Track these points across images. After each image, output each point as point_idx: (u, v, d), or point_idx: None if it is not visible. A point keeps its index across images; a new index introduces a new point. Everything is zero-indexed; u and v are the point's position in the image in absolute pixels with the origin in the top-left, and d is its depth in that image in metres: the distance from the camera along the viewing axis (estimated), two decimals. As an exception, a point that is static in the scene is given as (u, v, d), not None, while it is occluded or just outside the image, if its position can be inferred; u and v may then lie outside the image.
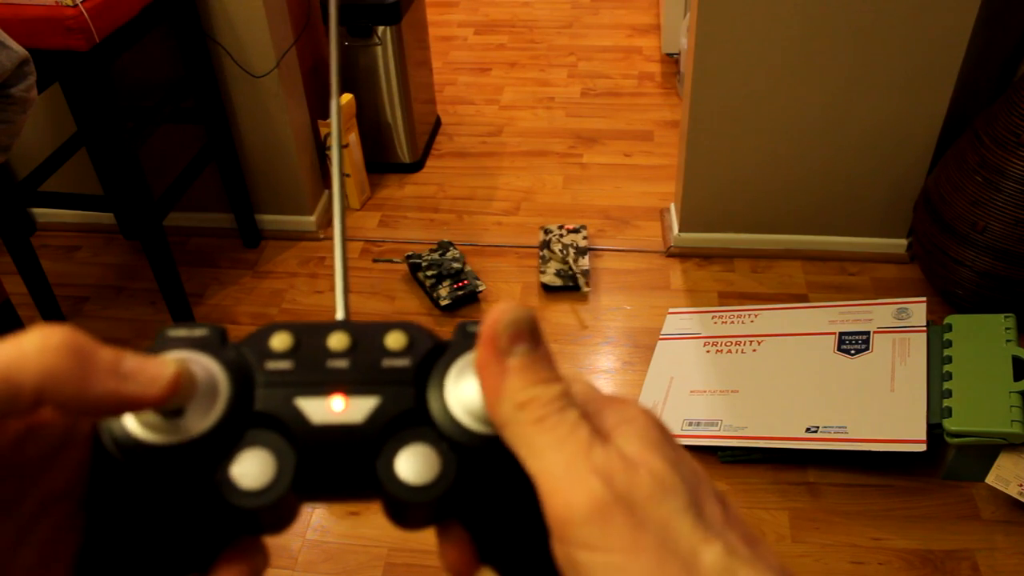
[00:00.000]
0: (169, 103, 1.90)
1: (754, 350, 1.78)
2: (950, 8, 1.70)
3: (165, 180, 1.99)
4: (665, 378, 1.79)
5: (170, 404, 0.22)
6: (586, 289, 2.01)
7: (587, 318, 1.98)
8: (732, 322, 1.89)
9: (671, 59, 3.13)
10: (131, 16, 1.64)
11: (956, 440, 1.46)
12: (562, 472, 0.22)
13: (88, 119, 1.62)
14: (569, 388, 0.24)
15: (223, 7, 1.90)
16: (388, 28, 2.28)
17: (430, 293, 2.02)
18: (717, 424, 1.63)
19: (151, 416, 0.22)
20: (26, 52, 1.27)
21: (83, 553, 0.23)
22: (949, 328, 1.65)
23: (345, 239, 0.29)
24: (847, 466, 1.58)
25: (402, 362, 0.25)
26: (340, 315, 0.28)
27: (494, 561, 0.25)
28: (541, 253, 2.14)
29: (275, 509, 0.23)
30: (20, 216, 2.17)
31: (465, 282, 2.00)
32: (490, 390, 0.24)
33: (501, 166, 2.58)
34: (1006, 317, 1.62)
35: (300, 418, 0.24)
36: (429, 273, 2.02)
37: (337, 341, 0.25)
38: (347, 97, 2.26)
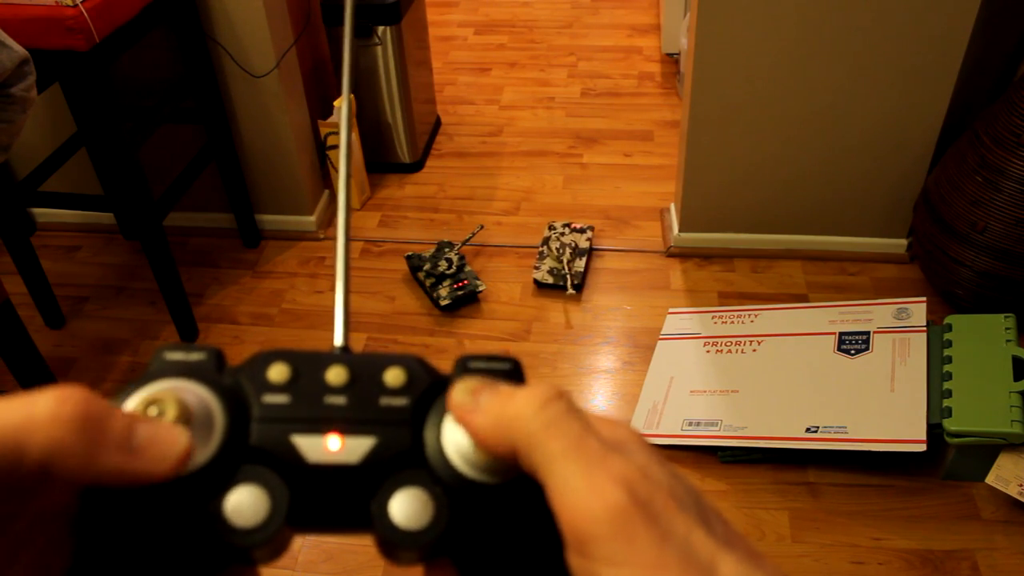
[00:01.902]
0: (169, 103, 1.90)
1: (754, 350, 1.78)
2: (950, 8, 1.70)
3: (165, 180, 1.99)
4: (665, 378, 1.79)
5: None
6: (570, 291, 2.00)
7: (587, 318, 1.98)
8: (732, 322, 1.89)
9: (671, 59, 3.13)
10: (131, 16, 1.64)
11: (956, 440, 1.46)
12: (580, 481, 0.21)
13: (88, 119, 1.62)
14: (564, 391, 0.24)
15: (223, 7, 1.90)
16: (388, 28, 2.28)
17: (430, 293, 2.02)
18: (717, 424, 1.63)
19: None
20: (26, 52, 1.27)
21: (72, 574, 0.22)
22: (949, 328, 1.65)
23: (348, 267, 0.28)
24: (847, 466, 1.58)
25: (400, 401, 0.25)
26: (339, 341, 0.27)
27: None
28: (540, 249, 2.14)
29: (267, 545, 0.23)
30: (20, 216, 2.17)
31: (465, 282, 2.00)
32: (488, 431, 0.23)
33: (501, 166, 2.58)
34: (1006, 317, 1.62)
35: (296, 456, 0.23)
36: (435, 271, 2.02)
37: (335, 375, 0.25)
38: (347, 97, 2.25)
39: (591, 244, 2.15)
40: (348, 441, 0.24)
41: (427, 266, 2.04)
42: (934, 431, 1.48)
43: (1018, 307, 1.68)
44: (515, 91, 3.02)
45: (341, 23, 2.29)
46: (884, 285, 2.03)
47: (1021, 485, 1.41)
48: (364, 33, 2.28)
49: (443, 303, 1.98)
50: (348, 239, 0.29)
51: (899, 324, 1.71)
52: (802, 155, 1.98)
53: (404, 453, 0.24)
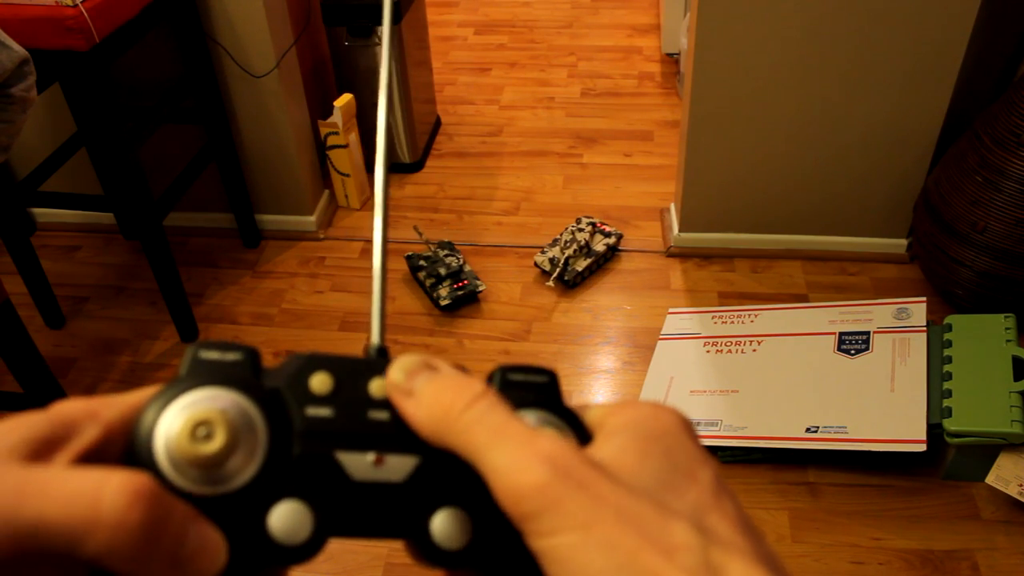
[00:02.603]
0: (169, 103, 1.90)
1: (754, 350, 1.78)
2: (950, 8, 1.70)
3: (165, 180, 1.99)
4: (665, 378, 1.79)
5: (211, 462, 0.22)
6: (550, 283, 2.03)
7: (587, 318, 1.98)
8: (732, 322, 1.89)
9: (671, 59, 3.13)
10: (131, 16, 1.64)
11: (956, 440, 1.46)
12: (506, 464, 0.22)
13: (88, 119, 1.62)
14: (489, 390, 0.24)
15: (223, 7, 1.90)
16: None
17: (430, 293, 2.02)
18: (717, 424, 1.63)
19: (191, 468, 0.22)
20: (26, 52, 1.27)
21: None
22: (949, 328, 1.65)
23: (385, 269, 0.28)
24: (847, 466, 1.58)
25: None
26: (375, 339, 0.27)
27: None
28: (558, 236, 2.14)
29: (310, 559, 0.23)
30: (20, 216, 2.17)
31: (465, 282, 2.00)
32: (420, 424, 0.24)
33: (501, 166, 2.58)
34: (1006, 317, 1.62)
35: (340, 473, 0.23)
36: (436, 272, 2.02)
37: (379, 388, 0.25)
38: (347, 97, 2.26)
39: (608, 248, 2.12)
40: (391, 459, 0.24)
41: (426, 266, 2.04)
42: (934, 431, 1.48)
43: (1018, 307, 1.68)
44: (515, 91, 3.02)
45: (341, 23, 2.29)
46: (884, 285, 2.03)
47: (1021, 485, 1.41)
48: (364, 33, 2.28)
49: (443, 303, 1.98)
50: (386, 239, 0.28)
51: (899, 324, 1.71)
52: (802, 155, 1.98)
53: (446, 472, 0.24)
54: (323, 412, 0.24)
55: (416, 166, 2.57)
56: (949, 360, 1.58)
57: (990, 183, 1.66)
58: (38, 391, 1.59)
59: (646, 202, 2.38)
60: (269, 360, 0.27)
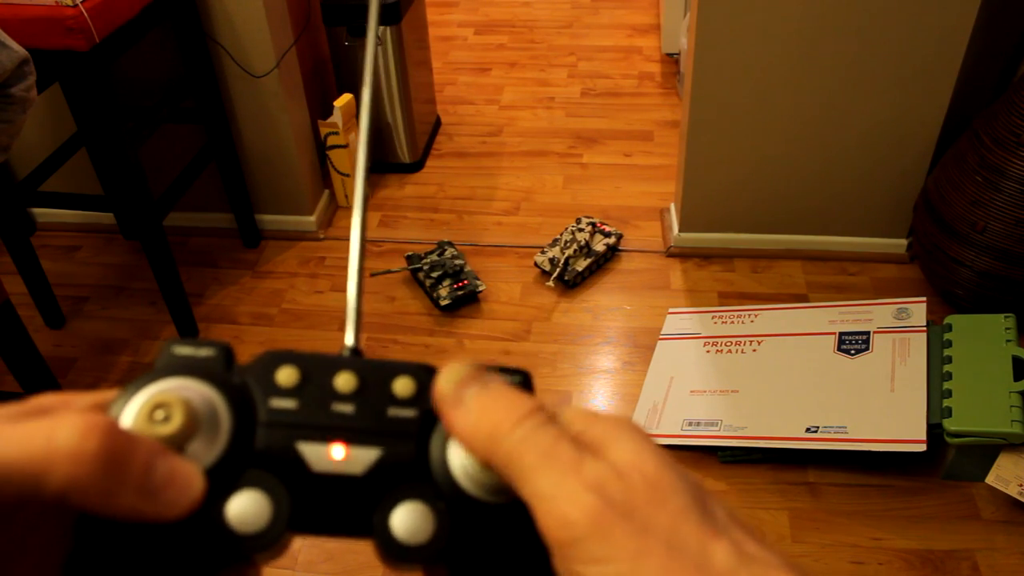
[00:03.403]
0: (169, 103, 1.90)
1: (754, 350, 1.78)
2: (950, 8, 1.70)
3: (165, 180, 1.99)
4: (665, 378, 1.79)
5: (167, 443, 0.22)
6: (550, 283, 2.04)
7: (587, 318, 1.98)
8: (732, 322, 1.89)
9: (671, 59, 3.13)
10: (131, 16, 1.64)
11: (956, 440, 1.46)
12: (554, 491, 0.22)
13: (88, 119, 1.62)
14: (542, 404, 0.24)
15: (223, 7, 1.90)
16: (388, 28, 2.28)
17: (430, 293, 2.02)
18: (717, 424, 1.63)
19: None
20: (26, 52, 1.27)
21: (70, 567, 0.22)
22: (949, 328, 1.65)
23: (362, 266, 0.28)
24: (847, 466, 1.58)
25: (408, 412, 0.25)
26: (349, 341, 0.27)
27: None
28: (558, 236, 2.14)
29: (268, 550, 0.23)
30: (20, 216, 2.17)
31: (465, 282, 2.00)
32: (466, 438, 0.24)
33: (501, 166, 2.58)
34: (1006, 317, 1.62)
35: (300, 464, 0.23)
36: (432, 274, 2.02)
37: (344, 382, 0.25)
38: (347, 97, 2.26)
39: (608, 248, 2.11)
40: (353, 451, 0.24)
41: (427, 267, 2.04)
42: (934, 431, 1.48)
43: (1018, 307, 1.68)
44: (515, 91, 3.02)
45: (341, 23, 2.29)
46: (884, 285, 2.03)
47: (1021, 485, 1.41)
48: (364, 33, 2.28)
49: (443, 303, 1.98)
50: (363, 240, 0.29)
51: (899, 324, 1.71)
52: (802, 155, 1.98)
53: (408, 466, 0.24)
54: (287, 404, 0.24)
55: (416, 166, 2.57)
56: (949, 360, 1.58)
57: (990, 183, 1.66)
58: (38, 391, 1.58)
59: (646, 202, 2.38)
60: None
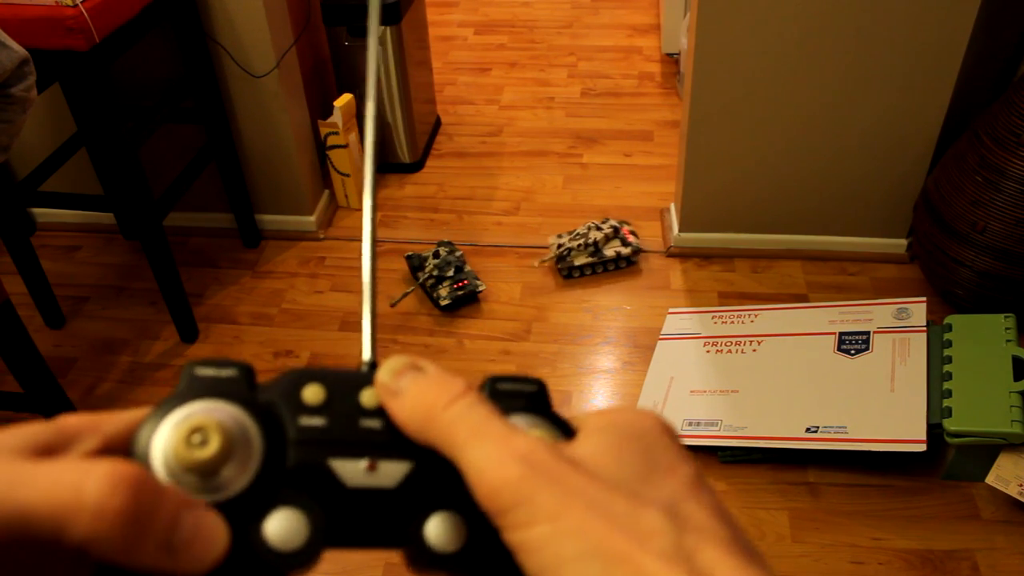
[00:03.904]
0: (169, 103, 1.90)
1: (754, 350, 1.78)
2: (950, 8, 1.70)
3: (165, 180, 1.99)
4: (665, 378, 1.79)
5: (205, 468, 0.22)
6: (537, 264, 2.10)
7: (587, 318, 1.98)
8: (732, 322, 1.89)
9: (671, 59, 3.13)
10: (131, 16, 1.64)
11: (956, 440, 1.46)
12: (483, 463, 0.22)
13: (88, 119, 1.62)
14: (473, 386, 0.25)
15: (223, 7, 1.90)
16: (388, 28, 2.28)
17: (430, 293, 2.02)
18: (717, 424, 1.63)
19: (187, 475, 0.22)
20: (26, 52, 1.27)
21: None
22: (949, 328, 1.65)
23: (375, 281, 0.28)
24: (847, 466, 1.58)
25: None
26: (367, 356, 0.27)
27: None
28: (577, 230, 2.14)
29: (305, 567, 0.23)
30: (20, 216, 2.17)
31: (465, 282, 2.00)
32: (405, 422, 0.24)
33: (501, 166, 2.58)
34: (1006, 317, 1.62)
35: (334, 480, 0.24)
36: (433, 273, 2.02)
37: (369, 398, 0.25)
38: (347, 97, 2.26)
39: (618, 256, 2.07)
40: (384, 465, 0.24)
41: (429, 268, 2.04)
42: (934, 431, 1.48)
43: (1018, 307, 1.68)
44: (515, 91, 3.02)
45: (341, 23, 2.29)
46: (884, 285, 2.03)
47: (1021, 485, 1.41)
48: (364, 33, 2.28)
49: (443, 303, 1.98)
50: (374, 254, 0.29)
51: (899, 324, 1.71)
52: (802, 155, 1.98)
53: (438, 477, 0.24)
54: (316, 422, 0.24)
55: (416, 166, 2.57)
56: (949, 360, 1.58)
57: (990, 183, 1.66)
58: (38, 391, 1.59)
59: (646, 202, 2.38)
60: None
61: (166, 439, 0.23)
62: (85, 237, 2.34)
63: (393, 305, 2.02)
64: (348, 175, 2.33)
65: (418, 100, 2.51)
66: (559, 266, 2.07)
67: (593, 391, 1.81)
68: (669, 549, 0.21)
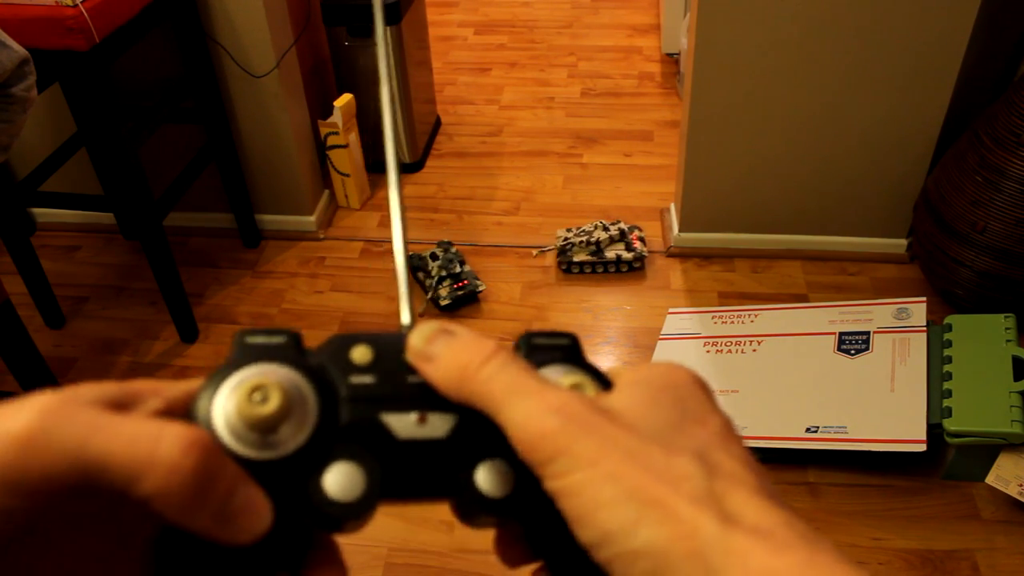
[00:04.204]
0: (169, 103, 1.90)
1: (754, 350, 1.78)
2: (950, 8, 1.70)
3: (165, 180, 1.99)
4: (665, 378, 1.78)
5: (267, 423, 0.24)
6: (534, 253, 2.15)
7: (587, 318, 1.99)
8: (732, 322, 1.89)
9: (671, 59, 3.13)
10: (131, 16, 1.64)
11: (956, 440, 1.46)
12: (521, 418, 0.23)
13: (88, 119, 1.62)
14: (502, 347, 0.26)
15: (223, 7, 1.90)
16: (388, 28, 2.28)
17: (430, 293, 2.02)
18: (717, 424, 1.62)
19: (249, 432, 0.24)
20: (26, 52, 1.27)
21: (162, 541, 0.23)
22: (949, 328, 1.65)
23: (406, 242, 0.30)
24: (847, 466, 1.58)
25: None
26: (405, 319, 0.29)
27: (546, 556, 0.26)
28: (585, 227, 2.16)
29: (361, 518, 0.24)
30: (20, 216, 2.17)
31: (465, 282, 2.00)
32: (441, 383, 0.25)
33: (501, 166, 2.58)
34: (1006, 317, 1.62)
35: (386, 433, 0.25)
36: (441, 274, 2.02)
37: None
38: (347, 97, 2.26)
39: (619, 259, 2.07)
40: (433, 418, 0.26)
41: (436, 270, 2.04)
42: (934, 431, 1.48)
43: (1018, 307, 1.68)
44: (515, 91, 3.02)
45: (341, 23, 2.29)
46: (884, 285, 2.03)
47: (1021, 485, 1.41)
48: (364, 33, 2.28)
49: (443, 303, 1.98)
50: (404, 217, 0.30)
51: (899, 324, 1.71)
52: (802, 155, 1.98)
53: (483, 428, 0.25)
54: (366, 380, 0.26)
55: (416, 166, 2.57)
56: (949, 360, 1.58)
57: (990, 183, 1.66)
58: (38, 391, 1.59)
59: (646, 202, 2.38)
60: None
61: (227, 399, 0.24)
62: (85, 237, 2.34)
63: (422, 314, 2.01)
64: (348, 175, 2.33)
65: (418, 100, 2.51)
66: (559, 259, 2.09)
67: (593, 391, 1.81)
68: (700, 492, 0.22)
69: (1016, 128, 1.62)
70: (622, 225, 2.14)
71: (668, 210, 2.29)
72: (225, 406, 0.24)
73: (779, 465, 1.60)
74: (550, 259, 2.16)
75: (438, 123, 2.80)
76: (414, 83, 2.45)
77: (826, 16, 1.74)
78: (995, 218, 1.66)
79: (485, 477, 0.25)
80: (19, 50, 1.25)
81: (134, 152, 1.70)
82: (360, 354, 0.26)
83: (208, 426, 0.23)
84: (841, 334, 1.74)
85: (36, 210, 2.36)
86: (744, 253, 2.14)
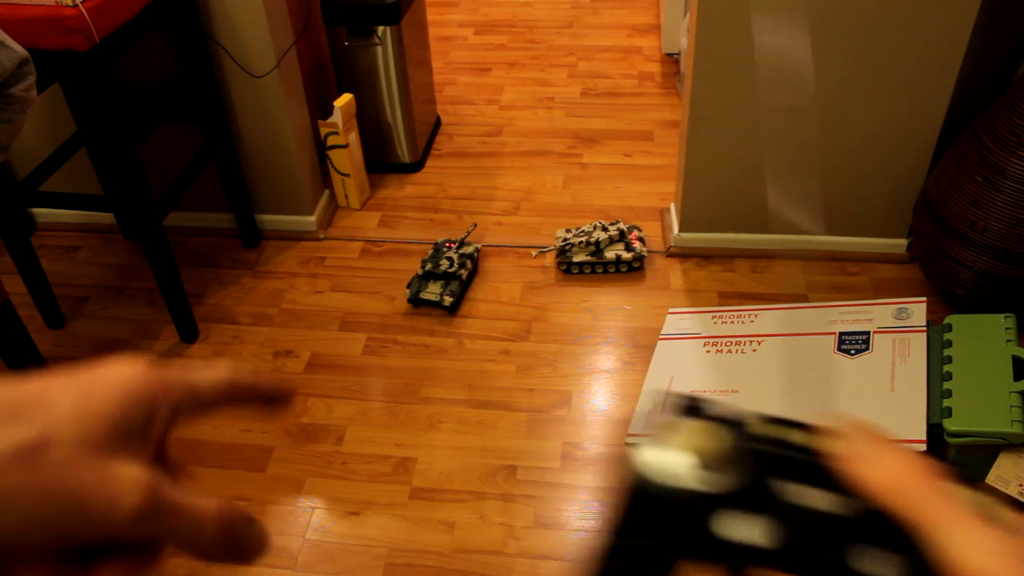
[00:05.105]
0: (169, 103, 1.90)
1: (754, 350, 1.78)
2: (950, 8, 1.70)
3: (165, 180, 1.99)
4: (665, 378, 1.79)
5: (712, 465, 0.29)
6: (534, 254, 2.14)
7: (587, 318, 1.98)
8: (732, 322, 1.89)
9: (671, 59, 3.13)
10: (131, 16, 1.64)
11: (956, 440, 1.46)
12: (961, 545, 0.25)
13: (88, 119, 1.62)
14: (939, 469, 0.28)
15: (223, 7, 1.90)
16: (388, 28, 2.28)
17: (430, 292, 2.02)
18: (717, 424, 1.62)
19: (693, 468, 0.29)
20: (26, 52, 1.27)
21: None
22: (949, 328, 1.65)
23: None
24: (847, 466, 1.58)
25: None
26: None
27: None
28: (585, 227, 2.16)
29: (753, 562, 0.28)
30: (20, 216, 2.17)
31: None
32: (876, 488, 0.27)
33: (501, 166, 2.58)
34: (1006, 317, 1.62)
35: (787, 498, 0.28)
36: (437, 271, 2.02)
37: (798, 438, 0.31)
38: (347, 97, 2.26)
39: (618, 259, 2.07)
40: (830, 496, 0.28)
41: (428, 266, 2.04)
42: (934, 431, 1.48)
43: (1018, 307, 1.68)
44: (515, 91, 3.02)
45: (341, 23, 2.29)
46: (884, 285, 2.03)
47: (1021, 485, 1.41)
48: (364, 33, 2.28)
49: (445, 303, 1.98)
50: None
51: (899, 324, 1.71)
52: (802, 155, 1.98)
53: (875, 515, 0.27)
54: (770, 448, 0.31)
55: (416, 166, 2.57)
56: (949, 360, 1.58)
57: (990, 183, 1.66)
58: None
59: (646, 202, 2.38)
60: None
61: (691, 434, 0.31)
62: (85, 237, 2.34)
63: (450, 308, 2.03)
64: (348, 175, 2.33)
65: (418, 100, 2.51)
66: (559, 259, 2.09)
67: (593, 391, 1.81)
68: None
69: (1016, 128, 1.62)
70: (622, 225, 2.14)
71: (668, 210, 2.29)
72: (688, 440, 0.32)
73: (779, 465, 1.59)
74: (550, 259, 2.16)
75: (438, 123, 2.80)
76: (414, 83, 2.45)
77: (826, 16, 1.74)
78: (995, 218, 1.66)
79: (869, 561, 0.27)
80: (19, 50, 1.25)
81: (134, 152, 1.70)
82: (798, 436, 0.31)
83: (664, 449, 0.31)
84: (841, 334, 1.74)
85: (36, 210, 2.36)
86: (744, 253, 2.14)
